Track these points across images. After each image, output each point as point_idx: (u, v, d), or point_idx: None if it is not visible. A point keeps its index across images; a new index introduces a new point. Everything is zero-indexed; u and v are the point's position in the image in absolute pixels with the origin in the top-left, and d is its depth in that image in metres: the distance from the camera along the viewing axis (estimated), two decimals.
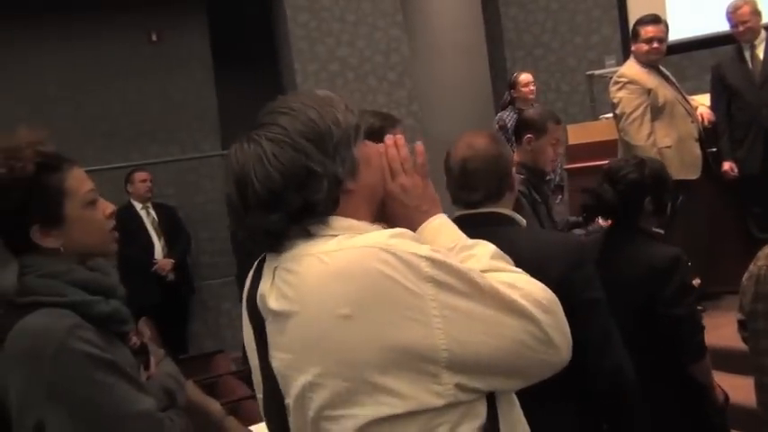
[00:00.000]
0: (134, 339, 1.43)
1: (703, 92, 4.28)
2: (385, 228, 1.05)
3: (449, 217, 1.15)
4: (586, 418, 1.57)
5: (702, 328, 2.08)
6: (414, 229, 1.06)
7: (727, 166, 3.98)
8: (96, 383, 1.20)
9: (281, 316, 1.00)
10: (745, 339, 1.94)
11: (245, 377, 4.28)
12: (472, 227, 1.68)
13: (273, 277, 1.02)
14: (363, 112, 2.11)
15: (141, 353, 1.46)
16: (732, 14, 3.97)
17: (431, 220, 1.10)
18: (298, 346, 0.98)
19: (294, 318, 0.98)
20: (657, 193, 2.15)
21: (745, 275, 1.90)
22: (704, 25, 5.24)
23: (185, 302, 5.37)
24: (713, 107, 4.06)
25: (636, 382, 1.55)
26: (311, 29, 5.69)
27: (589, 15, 6.41)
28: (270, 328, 1.03)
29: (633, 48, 3.94)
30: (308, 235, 1.00)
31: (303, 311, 0.97)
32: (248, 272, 1.12)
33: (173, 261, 5.06)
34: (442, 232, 1.09)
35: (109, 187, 4.35)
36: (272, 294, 1.01)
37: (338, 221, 1.01)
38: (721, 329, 3.23)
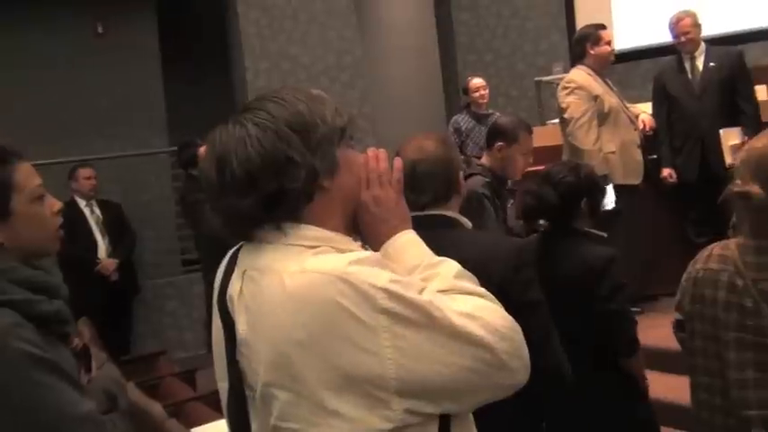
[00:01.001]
0: (75, 341, 1.40)
1: (646, 100, 4.43)
2: (357, 239, 1.07)
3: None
4: (525, 418, 1.61)
5: (635, 323, 2.17)
6: (381, 242, 1.09)
7: (666, 172, 4.12)
8: (37, 384, 1.18)
9: (247, 324, 1.01)
10: (680, 339, 2.01)
11: (189, 378, 4.24)
12: (418, 229, 1.71)
13: (242, 282, 1.03)
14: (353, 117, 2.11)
15: (82, 356, 1.43)
16: (674, 26, 4.12)
17: (399, 235, 1.11)
18: (261, 356, 0.99)
19: (257, 331, 1.00)
20: (592, 196, 2.26)
21: (684, 276, 1.95)
22: (648, 36, 5.42)
23: (129, 303, 5.24)
24: (654, 115, 4.20)
25: (573, 381, 1.60)
26: (262, 26, 5.64)
27: (538, 23, 6.55)
28: (238, 331, 1.03)
29: (593, 51, 4.00)
30: (281, 232, 1.01)
31: (263, 327, 0.99)
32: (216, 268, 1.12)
33: (117, 261, 4.94)
34: (408, 249, 1.10)
35: (51, 183, 4.20)
36: (240, 302, 1.02)
37: (311, 230, 1.02)
38: (658, 330, 3.34)
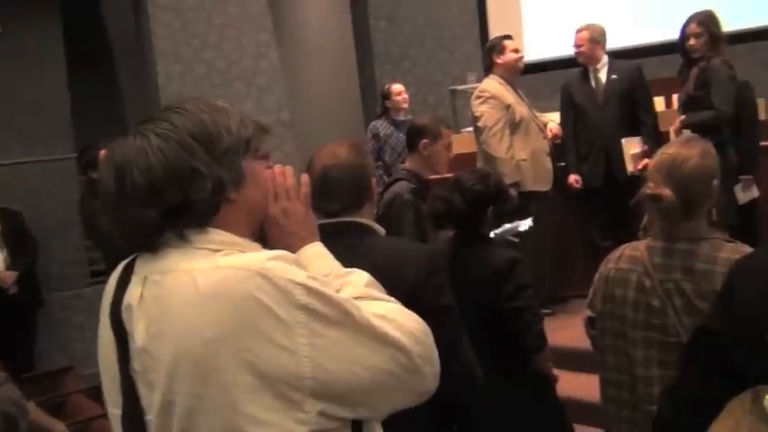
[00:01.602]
0: None
1: (556, 110, 4.59)
2: (251, 241, 1.05)
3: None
4: (436, 423, 1.63)
5: (541, 319, 2.26)
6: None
7: (572, 179, 4.29)
8: None
9: (147, 331, 0.97)
10: (592, 336, 2.08)
11: (96, 395, 4.06)
12: (331, 236, 1.70)
13: (143, 288, 0.99)
14: (260, 129, 2.07)
15: None
16: (575, 37, 4.32)
17: (308, 246, 1.12)
18: (163, 363, 0.95)
19: (161, 336, 0.96)
20: (498, 204, 2.34)
21: (597, 276, 2.02)
22: (558, 47, 5.63)
23: (31, 317, 4.96)
24: (562, 124, 4.36)
25: (485, 384, 1.63)
26: (175, 30, 5.49)
27: (453, 32, 6.69)
28: (134, 341, 0.99)
29: (500, 60, 4.13)
30: (184, 240, 0.99)
31: (170, 330, 0.95)
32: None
33: (16, 273, 4.67)
34: (317, 259, 1.11)
35: None
36: (140, 309, 0.99)
37: (218, 235, 1.01)
38: (569, 330, 3.47)
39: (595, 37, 4.25)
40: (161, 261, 0.99)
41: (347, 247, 1.64)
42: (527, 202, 3.98)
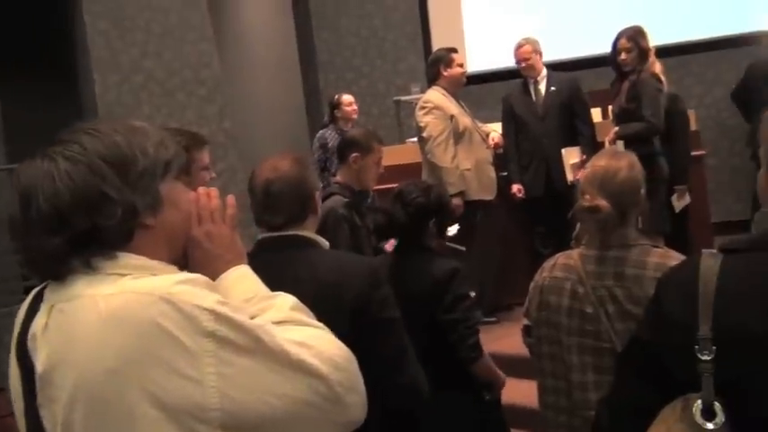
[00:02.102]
0: None
1: (497, 120, 4.68)
2: (166, 264, 1.01)
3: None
4: None
5: (477, 330, 2.28)
6: (214, 278, 1.03)
7: (515, 188, 4.37)
8: None
9: (49, 360, 0.92)
10: (528, 344, 2.12)
11: None
12: (275, 250, 1.70)
13: (48, 317, 0.94)
14: (198, 140, 2.02)
15: None
16: (516, 52, 4.41)
17: (233, 269, 1.08)
18: (65, 393, 0.90)
19: (62, 364, 0.91)
20: (440, 216, 2.36)
21: (532, 285, 2.07)
22: (499, 59, 5.74)
23: None
24: (503, 135, 4.45)
25: (430, 395, 1.64)
26: (112, 38, 5.35)
27: (396, 44, 6.74)
28: (37, 371, 0.94)
29: (446, 73, 4.20)
30: (92, 267, 0.94)
31: (71, 358, 0.90)
32: None
33: None
34: (241, 283, 1.07)
35: None
36: (44, 337, 0.94)
37: (128, 259, 0.96)
38: (513, 338, 3.50)
39: (537, 49, 4.36)
40: (68, 288, 0.94)
41: (290, 261, 1.63)
42: (472, 211, 4.04)
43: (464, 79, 4.32)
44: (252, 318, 0.97)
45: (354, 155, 2.81)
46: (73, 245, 0.92)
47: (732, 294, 0.96)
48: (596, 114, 4.65)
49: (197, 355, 0.88)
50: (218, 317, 0.90)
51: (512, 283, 4.40)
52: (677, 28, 5.65)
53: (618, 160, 1.90)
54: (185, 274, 0.95)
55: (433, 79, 4.34)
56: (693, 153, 4.21)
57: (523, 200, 4.37)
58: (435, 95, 4.21)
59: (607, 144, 3.91)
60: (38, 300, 0.99)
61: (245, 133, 6.19)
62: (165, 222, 1.00)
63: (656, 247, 1.89)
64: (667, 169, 3.86)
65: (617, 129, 3.90)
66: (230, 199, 1.13)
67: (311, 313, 1.06)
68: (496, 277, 4.35)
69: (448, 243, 3.86)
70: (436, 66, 4.30)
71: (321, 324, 1.03)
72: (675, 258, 1.84)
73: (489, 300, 4.26)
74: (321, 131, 5.36)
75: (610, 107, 4.34)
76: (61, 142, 0.97)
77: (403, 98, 6.00)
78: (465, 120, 4.19)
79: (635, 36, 3.84)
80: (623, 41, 3.87)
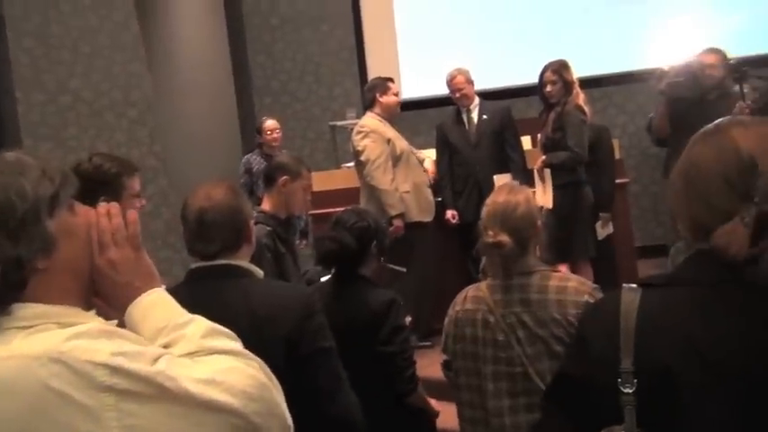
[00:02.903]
0: None
1: (432, 146, 4.77)
2: (100, 304, 0.97)
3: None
4: None
5: (413, 362, 2.32)
6: (125, 306, 1.00)
7: (449, 214, 4.46)
8: None
9: None
10: (449, 378, 2.18)
11: None
12: (208, 279, 1.67)
13: None
14: (91, 157, 1.95)
15: None
16: (449, 82, 4.53)
17: (143, 296, 1.01)
18: None
19: None
20: (380, 238, 2.39)
21: (446, 319, 2.15)
22: (433, 86, 5.83)
23: None
24: (437, 162, 4.55)
25: (365, 425, 1.64)
26: (37, 56, 5.17)
27: (332, 69, 6.78)
28: None
29: (382, 100, 4.29)
30: None
31: None
32: None
33: None
34: (152, 310, 1.00)
35: None
36: None
37: (24, 310, 0.89)
38: None
39: (469, 78, 4.49)
40: None
41: (223, 291, 1.61)
42: (411, 233, 4.10)
43: (399, 108, 4.43)
44: (165, 348, 0.94)
45: (284, 178, 2.79)
46: None
47: (651, 329, 0.99)
48: (526, 142, 4.80)
49: (97, 412, 0.85)
50: (114, 370, 0.87)
51: (446, 307, 4.45)
52: (602, 61, 5.91)
53: (515, 195, 2.02)
54: (78, 328, 0.89)
55: (369, 105, 4.42)
56: (617, 181, 4.40)
57: (458, 225, 4.45)
58: (371, 120, 4.28)
59: (536, 172, 4.05)
60: None
61: (176, 156, 6.06)
62: (62, 259, 0.94)
63: (555, 271, 2.05)
64: (592, 197, 4.02)
65: (544, 157, 4.04)
66: (131, 214, 1.05)
67: (230, 333, 1.02)
68: (434, 300, 4.39)
69: (389, 265, 3.91)
70: (372, 92, 4.38)
71: (239, 347, 1.00)
72: (574, 280, 2.01)
73: (425, 323, 4.30)
74: (246, 156, 5.34)
75: (539, 135, 4.50)
76: None
77: (338, 123, 6.03)
78: (401, 143, 4.28)
79: (559, 69, 4.01)
80: (548, 74, 4.03)
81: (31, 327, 0.88)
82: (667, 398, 0.96)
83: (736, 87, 4.29)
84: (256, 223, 2.63)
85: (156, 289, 1.03)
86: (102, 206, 1.03)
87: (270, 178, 2.85)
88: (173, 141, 6.08)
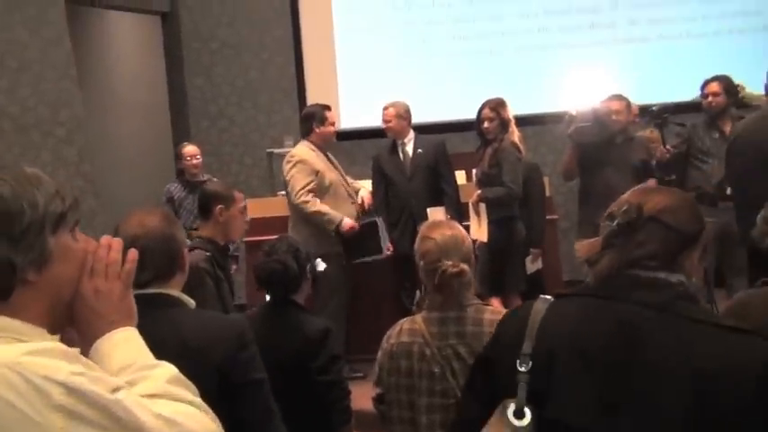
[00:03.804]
0: None
1: (368, 176, 4.81)
2: (70, 335, 0.96)
3: None
4: None
5: (348, 393, 2.31)
6: (95, 338, 1.00)
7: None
8: None
9: None
10: (381, 411, 2.18)
11: None
12: (138, 308, 1.62)
13: None
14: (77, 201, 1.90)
15: None
16: (382, 113, 4.62)
17: (116, 331, 1.01)
18: None
19: None
20: (312, 265, 2.43)
21: (380, 353, 2.16)
22: (371, 117, 5.89)
23: None
24: (373, 193, 4.59)
25: None
26: None
27: (272, 96, 6.76)
28: None
29: (318, 130, 4.33)
30: None
31: None
32: None
33: None
34: (122, 347, 1.00)
35: None
36: None
37: None
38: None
39: (401, 113, 4.57)
40: None
41: (154, 320, 1.56)
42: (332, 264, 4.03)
43: (334, 138, 4.47)
44: (126, 385, 0.92)
45: (219, 207, 2.76)
46: None
47: (551, 326, 1.24)
48: (461, 177, 4.91)
49: (45, 430, 0.83)
50: (71, 390, 0.86)
51: (379, 337, 4.46)
52: (534, 99, 6.13)
53: (458, 230, 2.11)
54: (39, 345, 0.89)
55: (305, 134, 4.44)
56: (547, 217, 4.54)
57: (392, 256, 4.48)
58: (302, 150, 4.34)
59: (471, 205, 4.14)
60: None
61: (107, 176, 5.89)
62: (50, 277, 0.95)
63: (487, 305, 2.15)
64: (524, 232, 4.13)
65: (480, 191, 4.13)
66: (132, 253, 1.06)
67: (193, 387, 1.01)
68: (362, 330, 4.40)
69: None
70: (309, 121, 4.41)
71: (199, 400, 0.99)
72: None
73: (352, 355, 4.31)
74: (167, 186, 5.23)
75: (474, 170, 4.61)
76: None
77: (276, 150, 6.01)
78: (331, 174, 4.31)
79: (497, 107, 4.14)
80: (486, 111, 4.15)
81: None
82: (549, 377, 1.20)
83: (639, 132, 4.58)
84: (194, 248, 2.61)
85: (129, 327, 1.03)
86: (106, 238, 1.05)
87: (205, 209, 2.82)
88: (102, 161, 5.91)
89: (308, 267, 2.37)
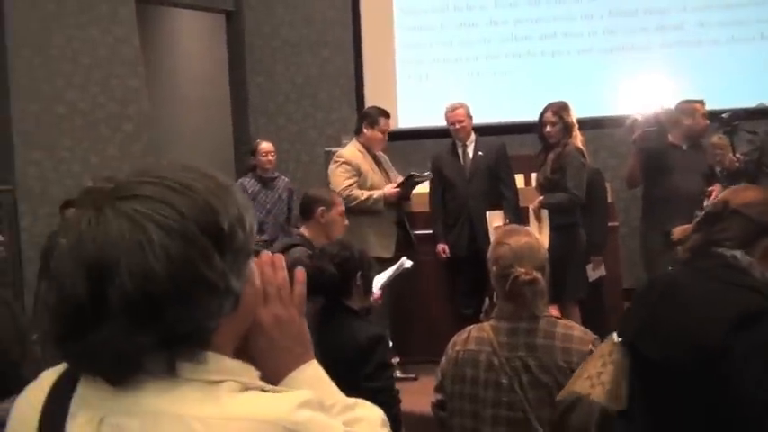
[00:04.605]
0: None
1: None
2: (246, 364, 0.80)
3: None
4: None
5: (399, 401, 2.29)
6: (281, 374, 0.86)
7: (440, 247, 4.46)
8: None
9: None
10: (441, 419, 2.15)
11: None
12: None
13: None
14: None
15: None
16: (449, 114, 4.55)
17: (304, 367, 0.87)
18: None
19: None
20: (365, 270, 2.38)
21: (444, 359, 2.13)
22: (430, 117, 5.88)
23: None
24: (431, 194, 4.57)
25: None
26: (35, 66, 5.15)
27: (331, 94, 6.80)
28: None
29: (368, 133, 4.33)
30: (171, 372, 0.72)
31: None
32: None
33: None
34: (318, 386, 0.87)
35: None
36: None
37: (217, 362, 0.75)
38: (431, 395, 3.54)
39: (469, 113, 4.53)
40: (127, 396, 0.71)
41: None
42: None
43: (384, 143, 4.48)
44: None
45: (321, 209, 3.02)
46: (161, 343, 0.70)
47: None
48: (519, 180, 4.83)
49: None
50: None
51: (434, 340, 4.44)
52: (595, 103, 5.99)
53: (532, 237, 2.08)
54: (299, 395, 0.76)
55: (357, 132, 4.47)
56: (609, 224, 4.44)
57: (448, 259, 4.45)
58: (350, 150, 4.39)
59: (531, 212, 4.06)
60: (64, 396, 0.74)
61: None
62: (241, 306, 0.79)
63: (559, 318, 2.10)
64: (585, 239, 4.04)
65: (542, 198, 4.06)
66: (300, 273, 0.92)
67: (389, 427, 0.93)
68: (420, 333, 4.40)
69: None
70: (362, 121, 4.46)
71: None
72: (577, 329, 2.02)
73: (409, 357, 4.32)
74: (240, 180, 5.32)
75: (533, 174, 4.53)
76: (137, 198, 0.71)
77: (333, 149, 6.03)
78: (375, 177, 4.33)
79: (560, 111, 4.05)
80: (549, 115, 4.06)
81: (219, 382, 0.73)
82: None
83: (710, 138, 4.44)
84: (297, 245, 2.73)
85: (313, 361, 0.91)
86: (266, 255, 0.88)
87: (306, 211, 3.09)
88: (167, 156, 6.07)
89: (358, 275, 2.34)
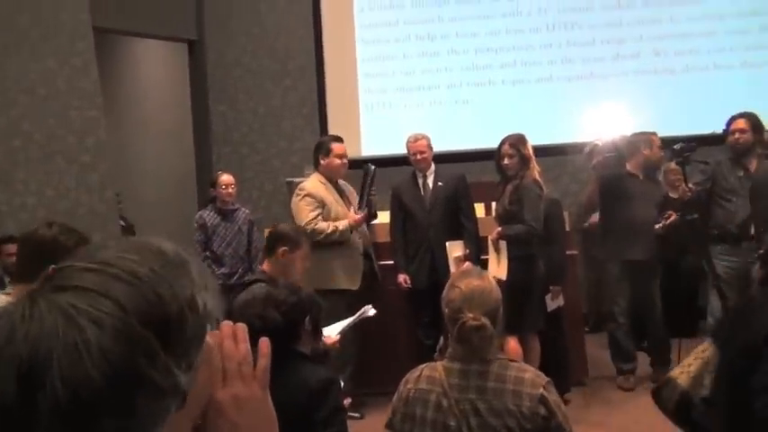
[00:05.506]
0: None
1: (385, 204, 4.77)
2: None
3: None
4: None
5: None
6: None
7: (401, 278, 4.45)
8: None
9: None
10: None
11: None
12: None
13: None
14: (51, 224, 1.91)
15: None
16: (411, 145, 4.57)
17: None
18: None
19: None
20: (314, 314, 2.33)
21: (396, 396, 2.11)
22: (391, 145, 5.90)
23: None
24: (391, 224, 4.56)
25: None
26: None
27: (293, 123, 6.81)
28: None
29: (324, 162, 4.33)
30: None
31: None
32: None
33: None
34: None
35: None
36: None
37: None
38: None
39: (431, 144, 4.55)
40: None
41: None
42: (334, 301, 3.79)
43: (342, 170, 4.43)
44: None
45: (283, 249, 3.00)
46: None
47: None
48: (480, 209, 4.85)
49: None
50: None
51: (394, 372, 4.40)
52: (557, 130, 6.09)
53: (485, 280, 2.05)
54: None
55: (315, 165, 4.46)
56: (567, 252, 4.48)
57: (409, 290, 4.44)
58: (312, 182, 4.37)
59: (490, 242, 4.08)
60: None
61: (128, 204, 5.96)
62: (193, 394, 0.70)
63: (513, 361, 2.06)
64: (544, 269, 4.07)
65: (500, 229, 4.08)
66: (264, 343, 0.84)
67: None
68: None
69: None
70: (316, 153, 4.45)
71: None
72: (530, 372, 2.01)
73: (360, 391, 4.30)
74: (199, 212, 5.27)
75: (493, 204, 4.55)
76: (77, 290, 0.63)
77: (296, 179, 6.02)
78: (338, 208, 4.30)
79: (517, 143, 4.08)
80: (506, 148, 4.10)
81: None
82: None
83: (667, 165, 4.54)
84: (258, 281, 2.69)
85: None
86: (227, 325, 0.80)
87: (270, 247, 3.06)
88: (126, 185, 5.99)
89: (306, 319, 2.28)
